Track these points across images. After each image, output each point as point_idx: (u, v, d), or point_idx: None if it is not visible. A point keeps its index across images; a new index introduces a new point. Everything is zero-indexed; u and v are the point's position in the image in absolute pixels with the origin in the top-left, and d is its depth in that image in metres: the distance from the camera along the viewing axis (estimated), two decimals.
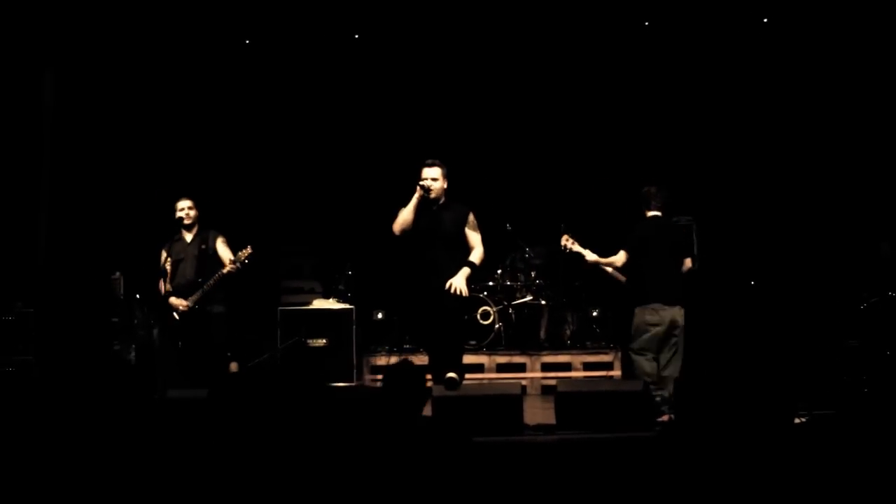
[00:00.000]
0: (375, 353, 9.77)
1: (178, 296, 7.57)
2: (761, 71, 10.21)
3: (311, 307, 9.65)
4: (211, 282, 7.48)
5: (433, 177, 6.85)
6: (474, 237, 6.91)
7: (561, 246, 7.24)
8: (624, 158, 10.51)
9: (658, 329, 7.04)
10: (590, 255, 7.22)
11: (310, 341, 9.28)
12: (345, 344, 9.36)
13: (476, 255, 6.86)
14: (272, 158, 10.73)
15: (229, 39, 10.10)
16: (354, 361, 9.34)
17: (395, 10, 9.92)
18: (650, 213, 7.33)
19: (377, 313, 10.17)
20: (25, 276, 9.22)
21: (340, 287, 10.07)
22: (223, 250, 7.65)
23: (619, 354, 9.55)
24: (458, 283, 6.64)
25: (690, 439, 5.02)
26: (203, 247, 7.63)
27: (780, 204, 10.07)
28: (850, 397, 7.07)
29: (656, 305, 7.07)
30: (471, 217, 6.94)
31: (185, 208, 7.66)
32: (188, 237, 7.70)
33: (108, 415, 5.32)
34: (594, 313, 10.16)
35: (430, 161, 6.91)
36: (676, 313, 7.08)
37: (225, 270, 7.45)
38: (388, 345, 9.91)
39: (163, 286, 7.60)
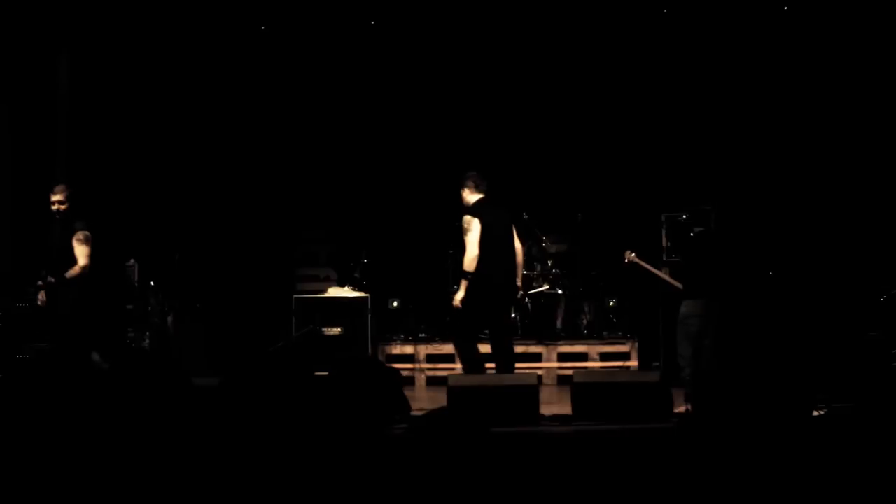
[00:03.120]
0: (391, 341, 9.76)
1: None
2: (781, 59, 10.11)
3: (326, 295, 9.63)
4: (40, 283, 7.49)
5: None
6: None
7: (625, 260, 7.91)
8: (642, 147, 10.44)
9: None
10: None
11: (324, 330, 9.26)
12: (360, 333, 9.32)
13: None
14: (289, 146, 10.69)
15: (246, 23, 10.06)
16: (369, 350, 9.31)
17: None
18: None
19: (392, 302, 10.15)
20: (40, 263, 9.21)
21: (356, 275, 10.04)
22: (77, 248, 7.47)
23: (636, 345, 9.51)
24: None
25: (708, 431, 4.97)
26: (63, 241, 7.51)
27: (799, 194, 9.97)
28: (870, 390, 7.00)
29: None
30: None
31: (53, 201, 7.54)
32: (62, 226, 7.60)
33: (131, 402, 5.31)
34: (611, 303, 10.12)
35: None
36: None
37: (38, 284, 7.50)
38: (403, 333, 9.90)
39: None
